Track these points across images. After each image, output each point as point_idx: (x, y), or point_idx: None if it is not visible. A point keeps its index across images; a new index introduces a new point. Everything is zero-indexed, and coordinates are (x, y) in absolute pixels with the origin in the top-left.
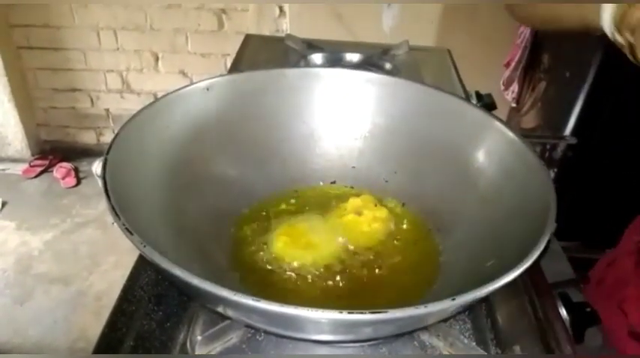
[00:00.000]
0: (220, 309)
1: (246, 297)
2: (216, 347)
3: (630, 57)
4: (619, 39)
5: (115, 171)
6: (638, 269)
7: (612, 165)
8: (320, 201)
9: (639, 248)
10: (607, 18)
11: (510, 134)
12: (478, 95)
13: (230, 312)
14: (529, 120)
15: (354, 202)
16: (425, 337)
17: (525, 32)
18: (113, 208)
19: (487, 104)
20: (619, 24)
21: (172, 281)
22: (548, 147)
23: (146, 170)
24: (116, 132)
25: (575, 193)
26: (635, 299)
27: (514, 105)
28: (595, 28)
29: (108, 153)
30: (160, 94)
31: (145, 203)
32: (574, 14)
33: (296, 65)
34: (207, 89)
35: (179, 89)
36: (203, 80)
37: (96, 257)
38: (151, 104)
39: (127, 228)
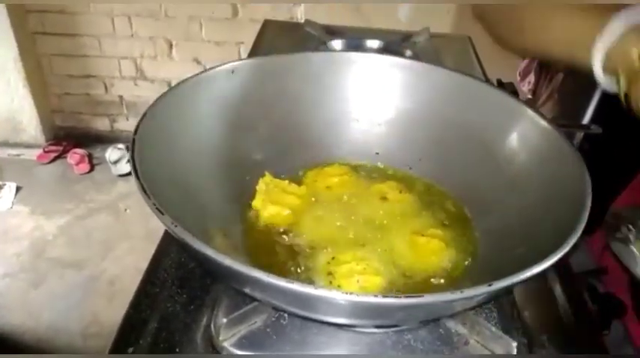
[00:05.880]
0: (248, 290)
1: (279, 279)
2: (241, 331)
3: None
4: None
5: (142, 151)
6: None
7: (630, 158)
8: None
9: None
10: (597, 64)
11: (544, 122)
12: (500, 84)
13: (258, 294)
14: (545, 112)
15: (378, 188)
16: (451, 324)
17: None
18: (143, 188)
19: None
20: (610, 69)
21: (201, 262)
22: None
23: (171, 151)
24: (143, 112)
25: (593, 186)
26: None
27: (530, 96)
28: (585, 68)
29: (135, 133)
30: (173, 82)
31: (170, 184)
32: (563, 53)
33: (316, 51)
34: (233, 72)
35: (205, 71)
36: (229, 62)
37: (109, 242)
38: (176, 86)
39: (157, 208)
